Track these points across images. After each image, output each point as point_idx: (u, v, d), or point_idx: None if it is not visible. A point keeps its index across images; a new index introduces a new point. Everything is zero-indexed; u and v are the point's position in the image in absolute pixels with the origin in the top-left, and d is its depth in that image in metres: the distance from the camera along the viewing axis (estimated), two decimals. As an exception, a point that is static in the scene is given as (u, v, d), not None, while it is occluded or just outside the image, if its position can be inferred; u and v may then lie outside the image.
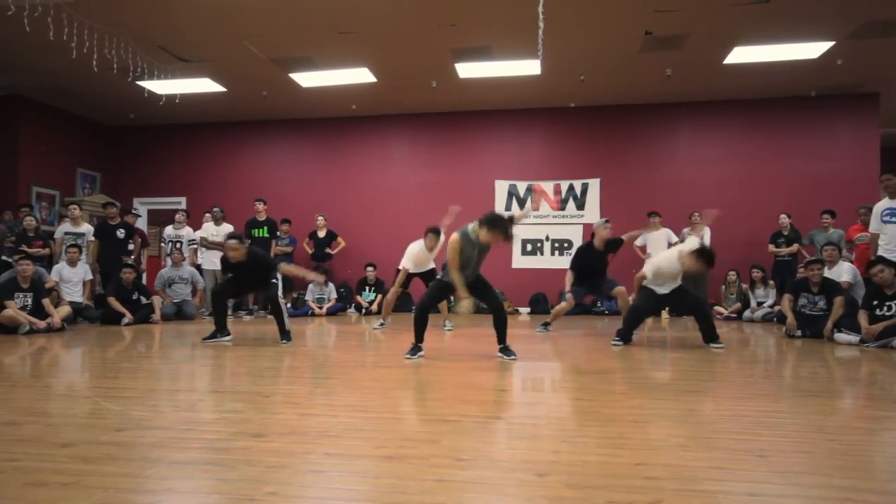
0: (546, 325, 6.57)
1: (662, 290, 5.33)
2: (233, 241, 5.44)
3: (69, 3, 6.15)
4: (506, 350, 4.42)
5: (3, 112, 9.25)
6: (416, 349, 4.45)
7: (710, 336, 5.17)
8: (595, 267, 6.18)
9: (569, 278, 6.28)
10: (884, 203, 5.84)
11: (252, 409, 2.74)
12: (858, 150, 9.21)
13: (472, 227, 4.30)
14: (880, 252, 5.74)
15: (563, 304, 6.40)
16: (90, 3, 6.24)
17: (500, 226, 4.23)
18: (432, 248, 6.68)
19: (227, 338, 5.45)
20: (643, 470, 1.87)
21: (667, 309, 8.73)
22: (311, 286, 9.23)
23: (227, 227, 8.70)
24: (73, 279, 7.54)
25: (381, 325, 6.96)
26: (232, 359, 4.42)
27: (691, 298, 5.43)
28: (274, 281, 5.54)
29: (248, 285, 5.76)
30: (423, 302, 4.54)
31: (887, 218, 5.75)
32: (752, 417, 2.59)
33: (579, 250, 6.49)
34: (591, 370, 3.99)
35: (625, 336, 5.31)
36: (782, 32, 7.04)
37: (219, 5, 6.36)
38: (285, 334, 5.40)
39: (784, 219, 8.42)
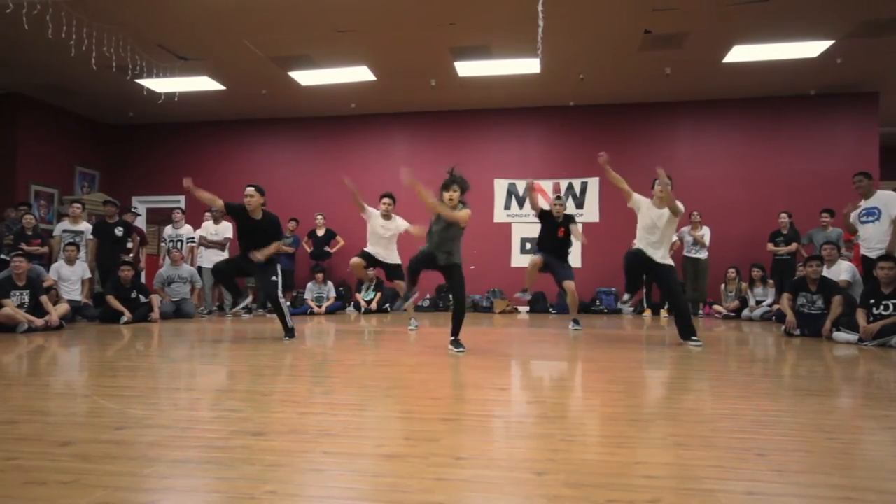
0: (525, 290, 6.76)
1: (652, 251, 5.11)
2: (251, 188, 5.31)
3: (67, 1, 6.14)
4: (456, 343, 4.60)
5: (1, 110, 9.24)
6: (406, 297, 4.73)
7: (686, 332, 5.04)
8: (552, 234, 6.51)
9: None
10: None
11: (251, 407, 2.74)
12: (858, 148, 9.21)
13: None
14: (860, 251, 5.91)
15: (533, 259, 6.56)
16: (89, 1, 6.23)
17: (447, 184, 4.49)
18: (387, 211, 6.51)
19: (247, 300, 5.62)
20: (642, 469, 1.87)
21: (666, 307, 8.79)
22: (309, 285, 9.23)
23: (227, 226, 8.70)
24: (71, 277, 7.53)
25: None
26: (231, 357, 4.42)
27: (673, 282, 5.16)
28: (274, 279, 5.46)
29: (254, 249, 5.39)
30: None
31: (864, 218, 5.83)
32: (752, 416, 2.60)
33: (542, 211, 6.68)
34: (589, 369, 3.99)
35: (629, 288, 5.29)
36: (781, 31, 7.04)
37: (218, 4, 6.35)
38: (289, 331, 5.42)
39: (783, 217, 8.43)
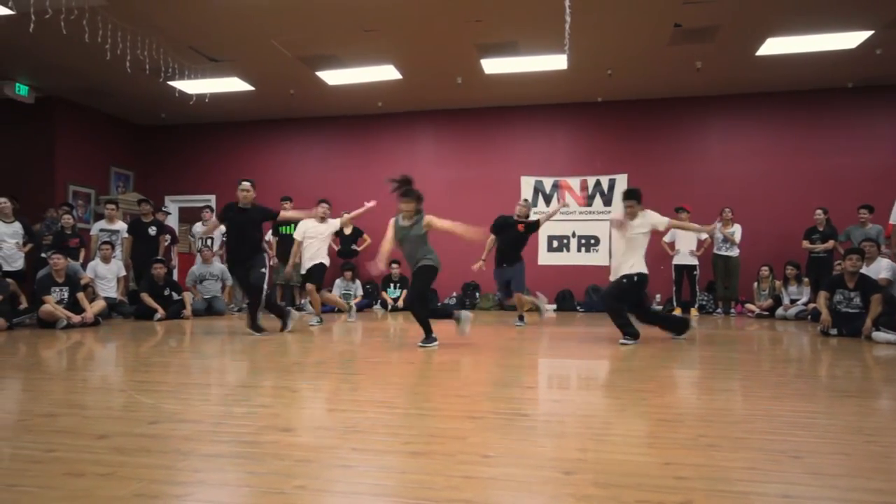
0: (521, 317, 7.10)
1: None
2: (247, 183, 5.70)
3: (104, 6, 6.30)
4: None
5: (40, 113, 9.53)
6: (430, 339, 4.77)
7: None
8: (513, 237, 6.84)
9: (489, 242, 6.98)
10: None
11: (280, 403, 2.78)
12: (898, 143, 8.90)
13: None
14: None
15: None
16: (124, 6, 6.39)
17: (400, 192, 4.73)
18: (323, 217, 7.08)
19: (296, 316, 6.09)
20: (673, 469, 1.84)
21: (696, 306, 8.64)
22: (337, 282, 9.31)
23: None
24: (107, 275, 7.75)
25: (319, 321, 6.75)
26: (260, 354, 4.49)
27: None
28: (263, 270, 5.71)
29: (243, 243, 5.69)
30: (416, 297, 4.84)
31: None
32: (786, 417, 2.53)
33: (500, 218, 7.00)
34: (618, 368, 3.94)
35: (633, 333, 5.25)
36: (818, 22, 6.83)
37: (246, 6, 6.44)
38: (255, 326, 5.62)
39: (819, 214, 8.19)
